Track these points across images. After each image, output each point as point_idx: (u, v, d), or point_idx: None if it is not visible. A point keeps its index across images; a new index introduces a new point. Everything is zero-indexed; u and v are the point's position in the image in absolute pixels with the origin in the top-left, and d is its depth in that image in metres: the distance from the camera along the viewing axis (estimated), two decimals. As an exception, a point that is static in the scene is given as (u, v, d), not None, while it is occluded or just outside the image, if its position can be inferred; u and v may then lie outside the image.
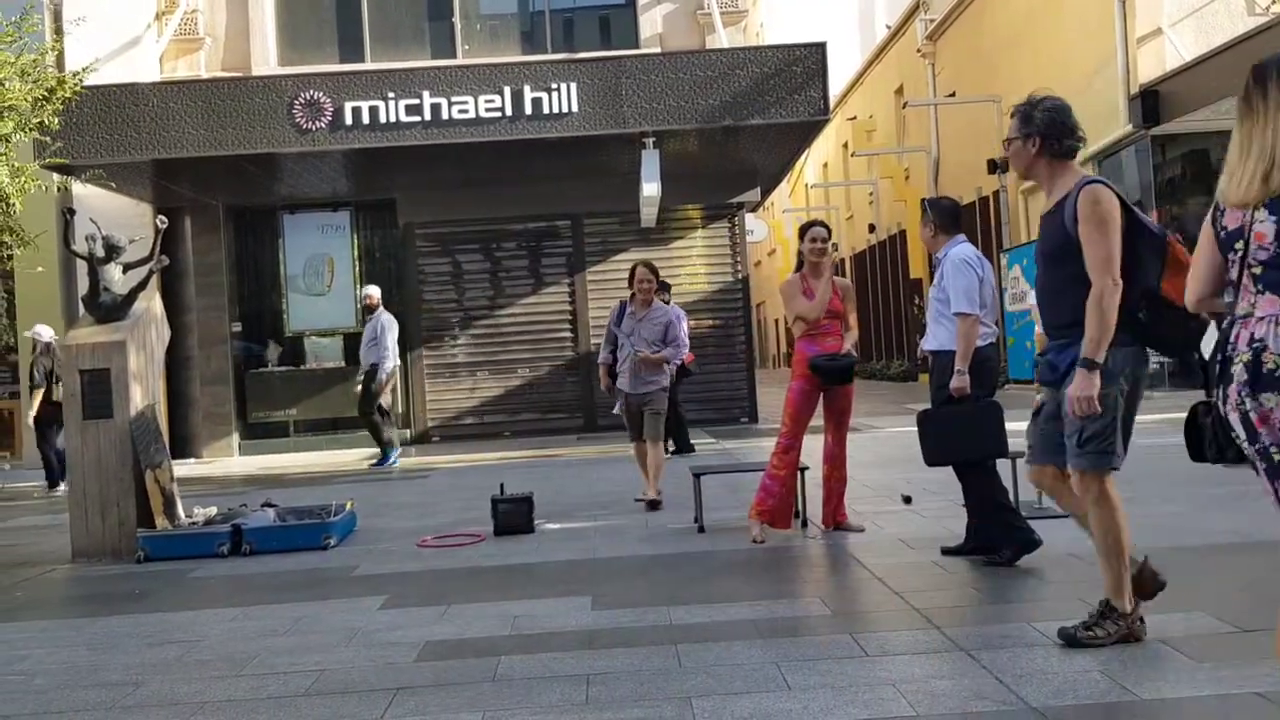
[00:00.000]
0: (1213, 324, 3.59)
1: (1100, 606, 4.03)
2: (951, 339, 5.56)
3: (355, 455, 14.37)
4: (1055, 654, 3.89)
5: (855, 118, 30.42)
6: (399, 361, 12.28)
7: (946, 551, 5.73)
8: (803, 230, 6.65)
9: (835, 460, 6.59)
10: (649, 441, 8.06)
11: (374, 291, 12.50)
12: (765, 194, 17.99)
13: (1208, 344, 3.26)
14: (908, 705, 3.44)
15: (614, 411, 8.39)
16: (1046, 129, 4.10)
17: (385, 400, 12.46)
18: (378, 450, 12.56)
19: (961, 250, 5.68)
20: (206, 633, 5.00)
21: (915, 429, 5.72)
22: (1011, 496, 5.96)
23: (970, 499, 5.69)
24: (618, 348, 8.22)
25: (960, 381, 5.47)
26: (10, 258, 8.97)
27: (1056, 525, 6.18)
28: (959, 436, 5.51)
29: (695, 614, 4.79)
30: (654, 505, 7.90)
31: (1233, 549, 5.59)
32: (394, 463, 12.35)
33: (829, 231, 6.70)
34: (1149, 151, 16.34)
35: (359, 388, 12.31)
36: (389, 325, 12.15)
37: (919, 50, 24.99)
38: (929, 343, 5.81)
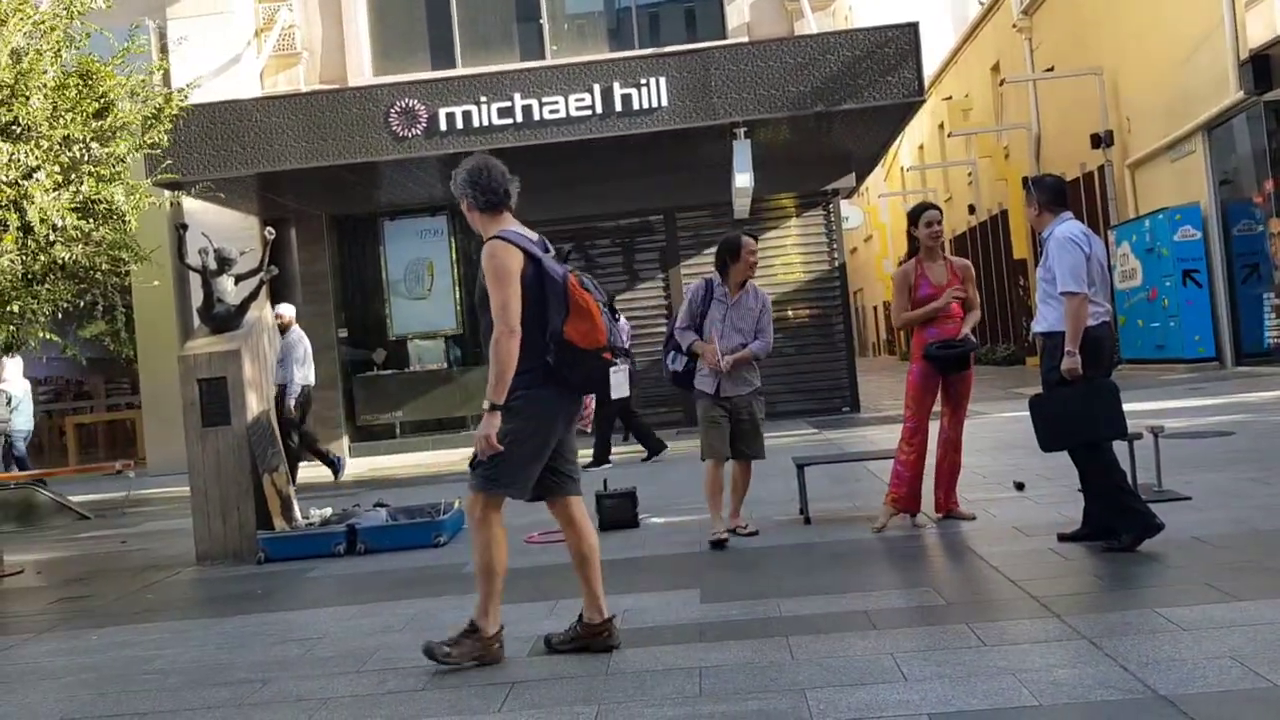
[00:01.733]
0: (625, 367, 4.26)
1: (467, 624, 4.26)
2: (1060, 320, 5.37)
3: (461, 455, 14.59)
4: (1184, 640, 3.76)
5: (950, 97, 29.81)
6: (311, 381, 11.64)
7: (1063, 538, 5.58)
8: (915, 214, 6.43)
9: (950, 445, 6.47)
10: (748, 461, 6.66)
11: (285, 310, 11.75)
12: (860, 179, 17.76)
13: None
14: (1030, 695, 3.37)
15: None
16: (469, 189, 4.39)
17: (309, 423, 11.99)
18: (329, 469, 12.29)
19: (1068, 228, 5.50)
20: (327, 630, 5.14)
21: (1027, 414, 5.59)
22: (1130, 479, 5.79)
23: (1087, 483, 5.53)
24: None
25: (1071, 362, 5.29)
26: (128, 273, 9.29)
27: (1179, 508, 6.00)
28: (1074, 419, 5.34)
29: (805, 605, 4.75)
30: (720, 545, 6.30)
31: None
32: (341, 471, 12.32)
33: (941, 213, 6.54)
34: (1262, 118, 15.67)
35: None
36: (293, 344, 11.49)
37: (1015, 25, 24.37)
38: (1039, 324, 5.65)
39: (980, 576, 5.12)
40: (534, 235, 4.36)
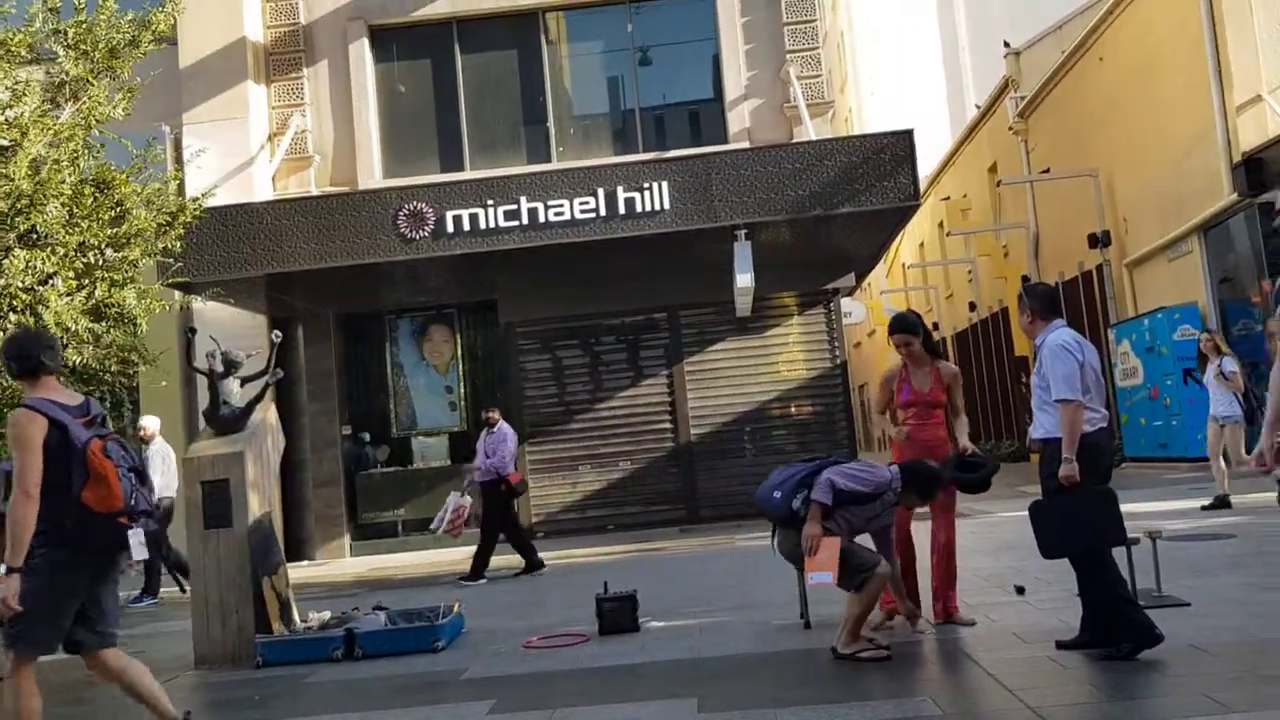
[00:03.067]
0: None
1: None
2: (1057, 426, 5.45)
3: (463, 554, 14.55)
4: (1178, 755, 3.75)
5: (949, 197, 30.26)
6: (172, 493, 11.31)
7: (1062, 645, 5.57)
8: (889, 330, 6.70)
9: (943, 551, 6.52)
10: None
11: (148, 423, 11.77)
12: (860, 277, 17.99)
13: None
14: (1023, 812, 3.36)
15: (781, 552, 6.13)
16: (5, 359, 4.61)
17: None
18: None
19: (1060, 335, 5.61)
20: (322, 740, 5.11)
21: (1027, 516, 5.63)
22: (1129, 584, 5.79)
23: (1086, 589, 5.54)
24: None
25: (1068, 469, 5.35)
26: (136, 374, 9.43)
27: (1178, 614, 5.98)
28: (1073, 526, 5.38)
29: (803, 715, 4.74)
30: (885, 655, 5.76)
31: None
32: (146, 605, 11.43)
33: (917, 317, 6.71)
34: (1257, 220, 15.91)
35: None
36: (151, 456, 11.35)
37: (1011, 128, 24.88)
38: (1036, 431, 5.72)
39: (978, 685, 5.11)
40: (73, 400, 4.59)
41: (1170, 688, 4.76)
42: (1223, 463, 11.56)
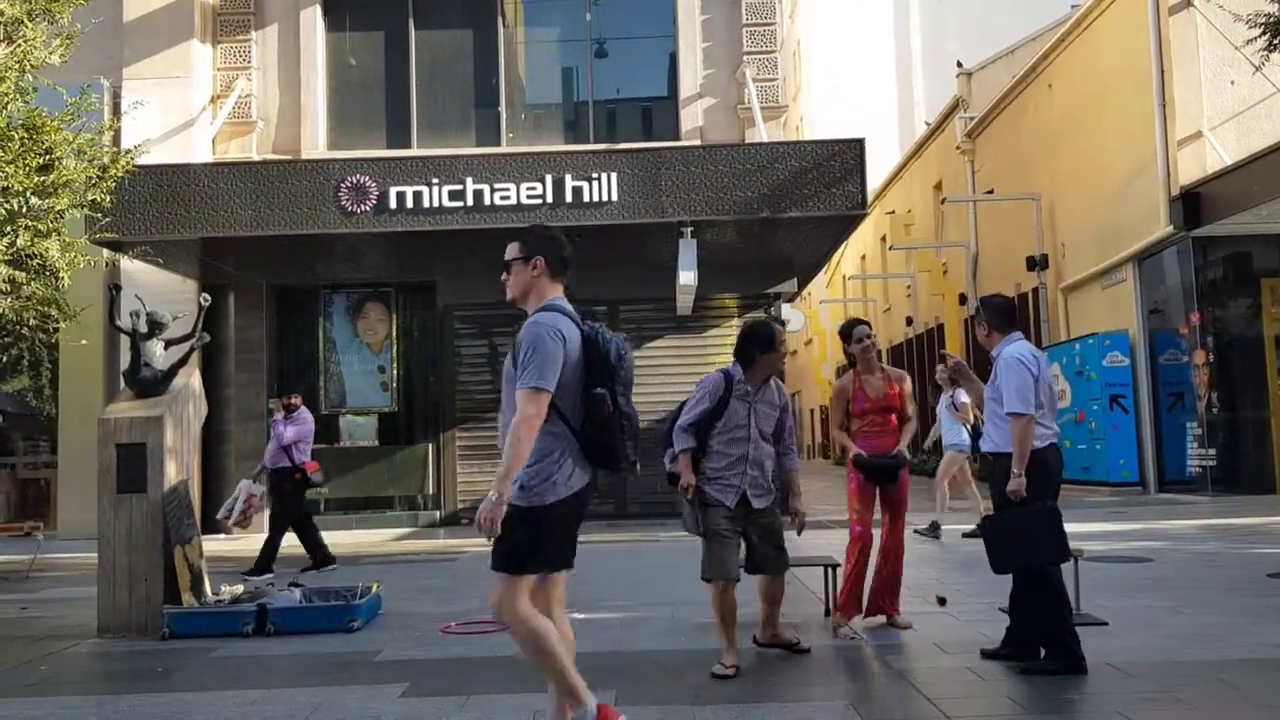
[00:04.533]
0: None
1: None
2: (1008, 440, 5.41)
3: (385, 535, 14.34)
4: (1093, 771, 3.75)
5: (894, 211, 30.58)
6: None
7: (985, 655, 5.58)
8: (845, 332, 6.59)
9: (889, 552, 6.54)
10: (776, 580, 5.92)
11: None
12: (802, 284, 18.05)
13: None
14: (938, 821, 3.32)
15: (690, 529, 5.78)
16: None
17: None
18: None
19: (1016, 349, 5.56)
20: (226, 715, 4.95)
21: (957, 527, 5.63)
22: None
23: (1016, 600, 5.54)
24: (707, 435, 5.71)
25: (1016, 483, 5.32)
26: (56, 330, 9.10)
27: (1096, 633, 6.03)
28: (1018, 541, 5.36)
29: (721, 715, 4.68)
30: (727, 677, 5.40)
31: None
32: None
33: (870, 327, 6.68)
34: (1190, 253, 16.26)
35: None
36: None
37: (958, 147, 25.20)
38: (986, 444, 5.71)
39: (898, 693, 5.09)
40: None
41: (1086, 704, 4.77)
42: (945, 488, 11.91)
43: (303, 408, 10.87)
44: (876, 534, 6.54)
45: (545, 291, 4.09)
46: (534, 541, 3.81)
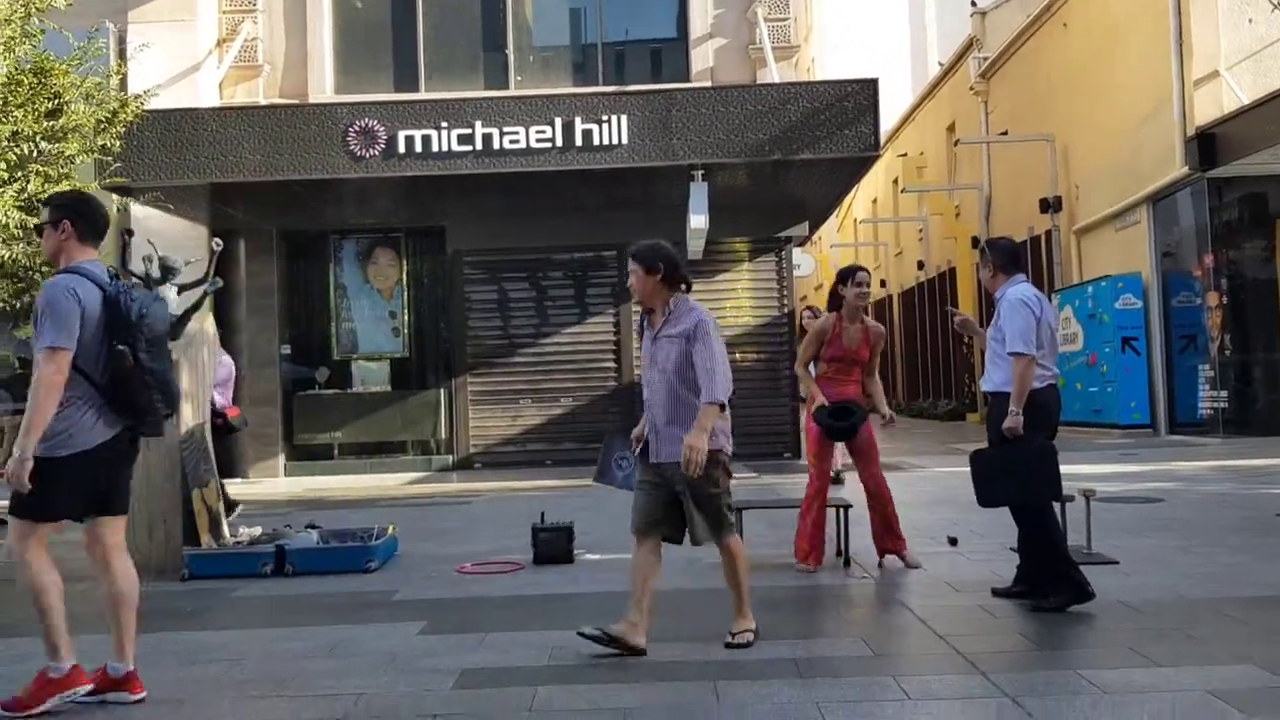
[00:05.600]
0: None
1: None
2: (1008, 380, 5.47)
3: (399, 479, 14.45)
4: (1104, 703, 3.80)
5: (906, 154, 30.31)
6: None
7: (996, 593, 5.63)
8: (845, 274, 6.65)
9: (873, 498, 6.61)
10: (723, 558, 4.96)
11: None
12: (814, 228, 17.96)
13: None
14: (951, 751, 3.37)
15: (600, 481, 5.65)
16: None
17: None
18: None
19: (1020, 290, 5.60)
20: (248, 652, 5.03)
21: (966, 469, 5.65)
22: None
23: (1024, 541, 5.59)
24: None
25: (1013, 421, 5.38)
26: (69, 276, 9.12)
27: (1107, 572, 6.07)
28: (1011, 478, 5.42)
29: (735, 651, 4.73)
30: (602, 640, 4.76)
31: (1289, 601, 5.44)
32: None
33: (869, 275, 6.74)
34: (1205, 194, 16.11)
35: None
36: None
37: (972, 88, 24.90)
38: (986, 383, 5.75)
39: (910, 630, 5.14)
40: None
41: (1098, 640, 4.82)
42: None
43: (224, 353, 10.70)
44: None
45: (74, 254, 4.27)
46: (48, 492, 4.07)
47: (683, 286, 4.88)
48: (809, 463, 6.69)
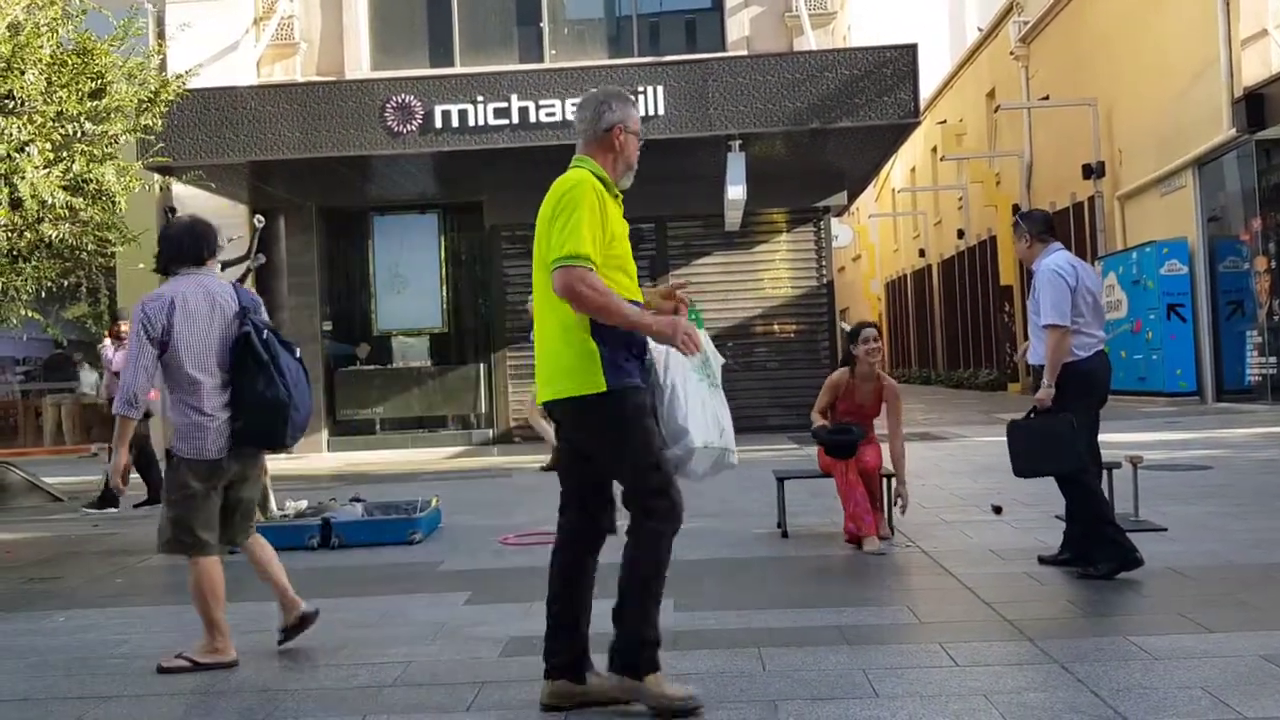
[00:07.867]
0: None
1: None
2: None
3: (440, 453, 14.56)
4: (1155, 669, 3.77)
5: (945, 121, 29.94)
6: None
7: (1043, 560, 5.60)
8: (853, 334, 6.65)
9: (865, 475, 6.52)
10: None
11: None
12: (852, 198, 17.81)
13: None
14: (1000, 717, 3.36)
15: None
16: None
17: None
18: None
19: (1054, 259, 5.52)
20: (297, 623, 5.08)
21: (1005, 439, 5.62)
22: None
23: (1070, 509, 5.54)
24: None
25: (1045, 393, 5.37)
26: (113, 255, 9.23)
27: (1155, 539, 6.01)
28: (1039, 449, 5.38)
29: (779, 618, 4.74)
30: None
31: (1343, 567, 5.36)
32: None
33: (878, 331, 6.72)
34: (1253, 157, 15.79)
35: None
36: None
37: (1012, 53, 24.50)
38: (1031, 356, 5.69)
39: (955, 597, 5.12)
40: None
41: (1147, 606, 4.78)
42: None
43: None
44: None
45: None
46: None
47: None
48: (836, 480, 6.57)
